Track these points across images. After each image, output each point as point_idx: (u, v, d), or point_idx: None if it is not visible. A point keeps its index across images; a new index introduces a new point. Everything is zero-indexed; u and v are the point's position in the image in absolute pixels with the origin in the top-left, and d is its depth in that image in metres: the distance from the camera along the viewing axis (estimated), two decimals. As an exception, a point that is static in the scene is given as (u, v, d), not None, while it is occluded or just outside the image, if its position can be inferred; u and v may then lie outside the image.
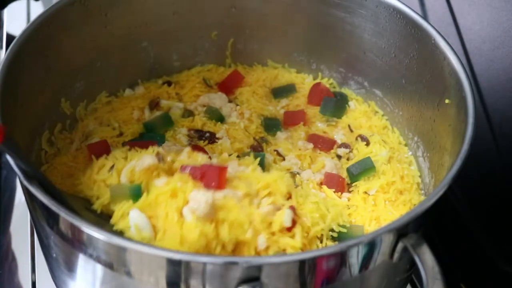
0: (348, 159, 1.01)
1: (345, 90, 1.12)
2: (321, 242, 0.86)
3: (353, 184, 0.97)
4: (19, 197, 1.10)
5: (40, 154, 0.95)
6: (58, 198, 0.78)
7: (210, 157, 0.94)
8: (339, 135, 1.04)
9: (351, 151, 1.02)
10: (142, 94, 1.08)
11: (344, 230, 0.88)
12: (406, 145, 1.04)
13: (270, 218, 0.83)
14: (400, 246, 0.73)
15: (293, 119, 1.05)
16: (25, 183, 0.73)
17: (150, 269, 0.71)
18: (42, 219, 0.79)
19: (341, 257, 0.72)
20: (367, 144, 1.03)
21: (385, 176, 0.97)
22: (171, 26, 1.07)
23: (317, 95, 1.08)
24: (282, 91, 1.10)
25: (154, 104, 1.06)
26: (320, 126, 1.06)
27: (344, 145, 1.02)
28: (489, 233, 1.01)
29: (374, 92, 1.09)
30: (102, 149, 0.96)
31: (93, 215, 0.86)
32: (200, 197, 0.81)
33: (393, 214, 0.93)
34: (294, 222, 0.84)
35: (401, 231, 0.72)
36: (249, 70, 1.14)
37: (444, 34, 0.92)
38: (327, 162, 0.99)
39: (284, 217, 0.83)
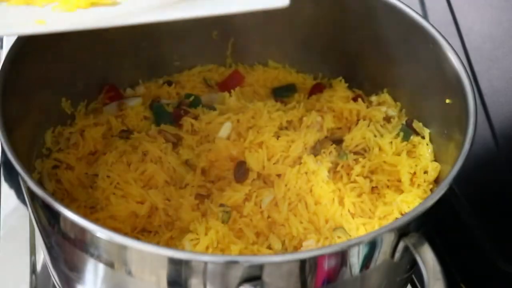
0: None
1: (346, 90, 1.12)
2: None
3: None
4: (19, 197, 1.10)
5: (41, 153, 0.95)
6: None
7: None
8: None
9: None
10: (142, 94, 1.08)
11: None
12: (406, 145, 1.04)
13: None
14: (401, 245, 0.73)
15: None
16: (28, 182, 0.73)
17: (151, 268, 0.71)
18: (43, 219, 0.79)
19: (342, 257, 0.72)
20: None
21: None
22: (171, 26, 1.07)
23: (318, 95, 1.08)
24: (282, 91, 1.10)
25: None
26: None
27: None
28: (489, 233, 1.01)
29: (374, 92, 1.08)
30: None
31: None
32: None
33: (393, 214, 0.93)
34: None
35: (402, 230, 0.73)
36: (249, 70, 1.14)
37: (444, 34, 0.92)
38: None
39: None
